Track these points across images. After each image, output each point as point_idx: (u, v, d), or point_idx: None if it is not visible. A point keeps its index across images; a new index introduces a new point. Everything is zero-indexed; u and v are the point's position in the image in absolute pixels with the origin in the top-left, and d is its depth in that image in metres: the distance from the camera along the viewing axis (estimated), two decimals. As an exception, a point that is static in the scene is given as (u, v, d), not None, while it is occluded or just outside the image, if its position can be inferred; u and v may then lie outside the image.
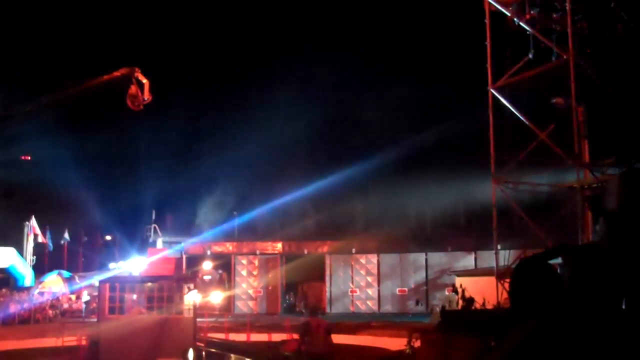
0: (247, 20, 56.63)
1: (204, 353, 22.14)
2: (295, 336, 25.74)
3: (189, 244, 45.85)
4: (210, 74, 56.76)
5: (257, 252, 45.85)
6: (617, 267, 2.79)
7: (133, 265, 39.19)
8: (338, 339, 27.00)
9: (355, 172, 44.98)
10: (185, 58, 54.88)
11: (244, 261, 45.78)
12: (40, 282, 43.10)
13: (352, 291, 43.96)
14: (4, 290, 40.61)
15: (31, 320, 36.49)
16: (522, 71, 20.64)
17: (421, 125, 47.13)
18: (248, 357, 22.19)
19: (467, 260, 40.96)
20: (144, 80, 16.18)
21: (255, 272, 45.47)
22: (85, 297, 41.57)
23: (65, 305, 41.70)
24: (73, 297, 43.83)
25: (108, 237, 54.86)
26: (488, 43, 21.83)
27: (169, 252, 40.35)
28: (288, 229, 45.52)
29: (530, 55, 20.24)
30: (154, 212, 49.24)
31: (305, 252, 44.92)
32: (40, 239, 46.92)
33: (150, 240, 46.26)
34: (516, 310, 3.15)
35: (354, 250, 44.39)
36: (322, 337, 15.34)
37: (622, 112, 18.16)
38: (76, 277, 45.80)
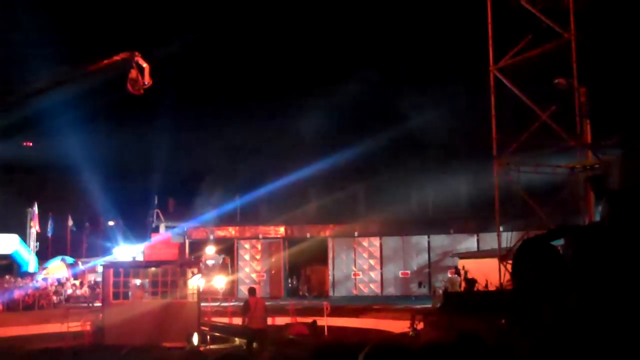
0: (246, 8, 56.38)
1: (208, 337, 22.22)
2: (300, 320, 25.93)
3: (192, 228, 45.91)
4: (212, 57, 56.56)
5: (260, 236, 45.95)
6: (619, 248, 2.77)
7: (133, 250, 39.25)
8: (342, 322, 27.16)
9: (358, 154, 44.92)
10: (188, 41, 54.72)
11: (247, 245, 45.89)
12: (44, 268, 43.24)
13: (354, 274, 44.07)
14: (7, 276, 40.73)
15: (35, 306, 36.64)
16: (524, 52, 20.55)
17: (423, 107, 46.98)
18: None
19: (470, 243, 41.01)
20: (144, 65, 16.12)
21: (258, 256, 45.59)
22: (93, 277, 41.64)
23: (69, 291, 41.84)
24: (77, 282, 43.98)
25: (111, 223, 54.92)
26: (489, 23, 21.73)
27: (172, 237, 40.44)
28: (290, 212, 45.52)
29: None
30: (156, 197, 49.32)
31: (308, 235, 44.99)
32: (37, 227, 46.89)
33: (154, 225, 46.32)
34: (519, 291, 3.14)
35: (356, 234, 44.46)
36: (259, 314, 17.67)
37: (624, 92, 18.09)
38: (79, 263, 45.92)
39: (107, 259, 39.11)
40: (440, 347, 3.13)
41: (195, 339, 21.17)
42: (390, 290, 43.06)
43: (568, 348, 2.28)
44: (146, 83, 16.07)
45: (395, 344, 2.72)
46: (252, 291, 19.09)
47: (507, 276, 19.89)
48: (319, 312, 26.18)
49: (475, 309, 16.55)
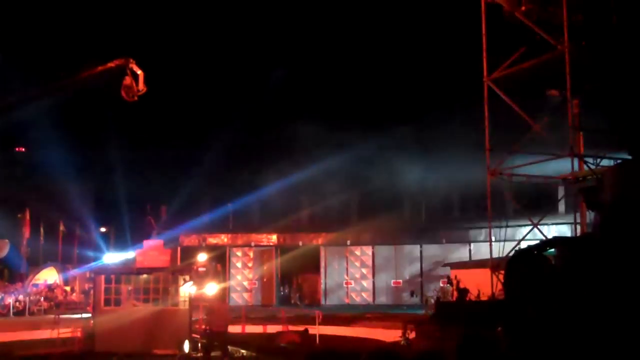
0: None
1: (199, 344, 22.16)
2: (291, 328, 25.89)
3: (184, 235, 45.82)
4: (204, 62, 56.62)
5: (252, 244, 45.88)
6: (610, 258, 2.80)
7: (124, 257, 39.03)
8: (334, 330, 27.12)
9: (350, 163, 44.97)
10: (184, 46, 54.83)
11: (239, 253, 45.81)
12: (35, 274, 43.03)
13: (347, 283, 44.03)
14: (-2, 282, 40.57)
15: (26, 312, 36.46)
16: (518, 63, 20.63)
17: (416, 116, 47.13)
18: (244, 349, 22.22)
19: (462, 252, 41.05)
20: (139, 72, 16.08)
21: (250, 264, 45.52)
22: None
23: (60, 297, 41.63)
24: (68, 288, 43.79)
25: (103, 229, 54.76)
26: (483, 35, 21.82)
27: (164, 244, 40.30)
28: (283, 220, 45.52)
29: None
30: (149, 204, 49.21)
31: (300, 243, 44.95)
32: (28, 233, 46.61)
33: (145, 231, 46.16)
34: (511, 301, 3.16)
35: (348, 242, 44.45)
36: (222, 318, 19.36)
37: (617, 104, 18.19)
38: (70, 269, 45.74)
39: (99, 265, 38.96)
40: (433, 356, 3.15)
41: (186, 347, 21.10)
42: (382, 299, 43.05)
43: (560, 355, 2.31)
44: (140, 90, 16.03)
45: (390, 352, 2.73)
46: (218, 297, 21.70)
47: (499, 286, 19.91)
48: (311, 320, 26.12)
49: (467, 318, 16.55)
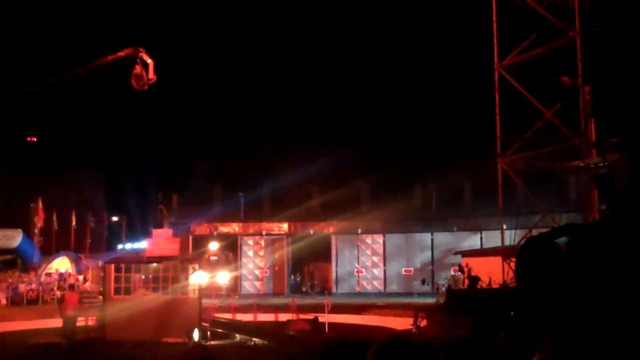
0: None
1: (209, 333, 22.23)
2: (302, 316, 25.92)
3: (196, 224, 45.91)
4: (215, 49, 56.58)
5: (263, 232, 45.92)
6: (623, 246, 2.74)
7: (140, 246, 39.25)
8: (344, 318, 27.14)
9: (361, 151, 44.87)
10: (195, 33, 54.81)
11: (250, 242, 45.88)
12: (48, 263, 43.21)
13: (358, 271, 44.04)
14: (11, 271, 40.75)
15: (39, 300, 36.65)
16: (529, 50, 20.49)
17: (427, 104, 46.95)
18: (255, 337, 22.27)
19: (473, 240, 40.93)
20: (149, 61, 16.06)
21: (261, 253, 45.59)
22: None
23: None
24: (81, 277, 43.96)
25: (115, 218, 54.97)
26: (494, 22, 21.68)
27: (175, 233, 40.48)
28: (294, 209, 45.49)
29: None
30: (160, 193, 49.35)
31: (311, 232, 44.95)
32: (41, 222, 46.69)
33: (157, 220, 46.32)
34: (522, 289, 3.12)
35: (360, 231, 44.41)
36: (75, 304, 21.87)
37: (629, 91, 18.04)
38: (83, 258, 45.90)
39: (110, 253, 39.12)
40: (456, 346, 3.10)
41: (196, 335, 21.17)
42: (393, 288, 43.04)
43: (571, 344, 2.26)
44: (150, 79, 16.02)
45: (405, 340, 2.68)
46: (71, 287, 26.28)
47: (511, 274, 19.85)
48: (322, 308, 26.13)
49: (478, 306, 16.52)
